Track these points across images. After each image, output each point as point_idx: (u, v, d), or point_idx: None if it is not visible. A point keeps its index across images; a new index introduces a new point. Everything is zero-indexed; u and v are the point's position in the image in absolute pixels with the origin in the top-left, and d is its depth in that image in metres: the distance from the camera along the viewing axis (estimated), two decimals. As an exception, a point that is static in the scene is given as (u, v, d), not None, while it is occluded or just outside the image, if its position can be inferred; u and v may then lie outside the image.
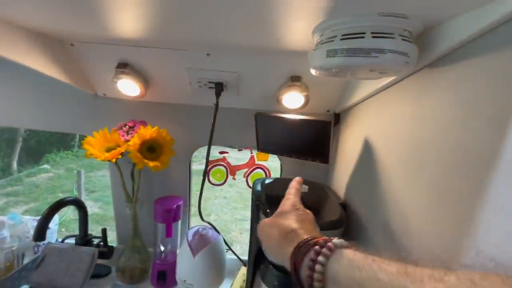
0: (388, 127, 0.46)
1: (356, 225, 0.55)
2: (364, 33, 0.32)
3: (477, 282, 0.16)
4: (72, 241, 0.84)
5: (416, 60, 0.34)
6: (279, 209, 0.39)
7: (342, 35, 0.33)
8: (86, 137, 0.70)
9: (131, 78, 0.65)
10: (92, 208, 3.79)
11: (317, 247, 0.27)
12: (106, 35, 0.55)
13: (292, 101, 0.67)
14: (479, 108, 0.27)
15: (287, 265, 0.29)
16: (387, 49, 0.31)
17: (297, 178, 0.46)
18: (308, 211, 0.38)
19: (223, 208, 3.88)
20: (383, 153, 0.47)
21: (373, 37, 0.31)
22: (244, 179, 0.95)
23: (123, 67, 0.64)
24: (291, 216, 0.36)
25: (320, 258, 0.25)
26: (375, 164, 0.49)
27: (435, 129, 0.33)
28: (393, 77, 0.42)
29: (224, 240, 0.81)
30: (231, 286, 0.76)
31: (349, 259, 0.24)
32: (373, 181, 0.49)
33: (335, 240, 0.27)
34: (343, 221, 0.52)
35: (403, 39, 0.32)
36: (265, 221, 0.38)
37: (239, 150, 1.00)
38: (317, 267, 0.25)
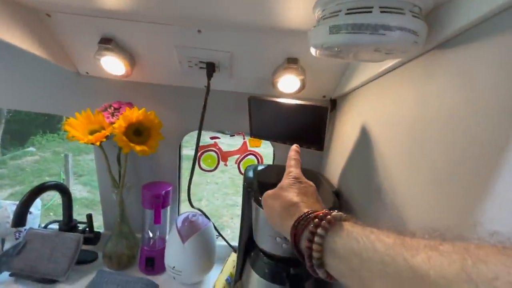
0: (388, 114, 0.44)
1: (349, 213, 0.54)
2: (372, 7, 0.29)
3: (471, 250, 0.16)
4: (56, 226, 0.81)
5: (425, 39, 0.31)
6: (282, 182, 0.39)
7: (348, 9, 0.30)
8: (69, 118, 0.65)
9: (115, 55, 0.60)
10: (81, 192, 3.73)
11: (316, 220, 0.27)
12: (87, 5, 0.49)
13: (288, 85, 0.64)
14: (490, 94, 0.25)
15: (288, 237, 0.31)
16: (395, 25, 0.28)
17: (294, 147, 0.44)
18: (310, 183, 0.39)
19: (215, 194, 3.89)
20: (381, 141, 0.45)
21: (381, 11, 0.28)
22: (236, 165, 0.93)
23: (107, 42, 0.59)
24: (293, 189, 0.36)
25: (319, 230, 0.26)
26: (372, 152, 0.47)
27: (441, 116, 0.31)
28: (398, 60, 0.39)
29: (215, 227, 0.79)
30: (220, 273, 0.75)
31: (348, 230, 0.25)
32: (370, 169, 0.47)
33: (334, 213, 0.27)
34: (336, 209, 0.51)
35: (413, 16, 0.29)
36: (268, 193, 0.39)
37: (231, 136, 0.97)
38: (316, 239, 0.26)
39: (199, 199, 3.58)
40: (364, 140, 0.51)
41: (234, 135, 0.92)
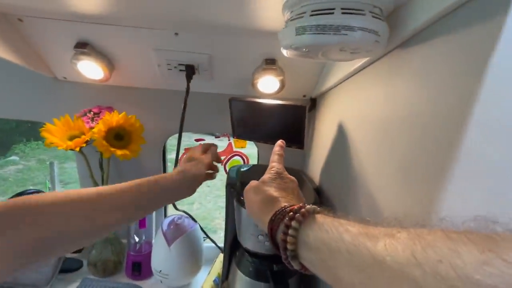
0: (360, 111, 0.46)
1: (329, 208, 0.56)
2: (334, 8, 0.30)
3: (423, 236, 0.17)
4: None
5: (387, 39, 0.33)
6: (264, 176, 0.39)
7: (312, 11, 0.31)
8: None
9: (92, 59, 0.60)
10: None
11: (291, 213, 0.28)
12: (60, 9, 0.49)
13: (268, 85, 0.65)
14: (444, 91, 0.27)
15: (266, 230, 0.32)
16: (356, 26, 0.29)
17: (279, 142, 0.45)
18: (292, 178, 0.39)
19: (207, 197, 3.86)
20: (355, 137, 0.47)
21: (342, 13, 0.29)
22: (222, 166, 0.93)
23: (82, 46, 0.58)
24: (274, 183, 0.37)
25: (293, 223, 0.27)
26: (348, 148, 0.49)
27: (405, 110, 0.33)
28: (366, 59, 0.41)
29: (202, 228, 0.79)
30: (208, 274, 0.76)
31: (319, 223, 0.26)
32: (346, 165, 0.48)
33: (308, 206, 0.28)
34: (316, 205, 0.52)
35: (373, 16, 0.30)
36: (250, 186, 0.40)
37: (216, 137, 0.97)
38: (290, 231, 0.27)
39: (191, 203, 3.55)
40: (340, 137, 0.53)
41: (219, 136, 0.92)
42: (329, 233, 0.24)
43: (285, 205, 0.31)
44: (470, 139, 0.23)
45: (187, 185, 0.48)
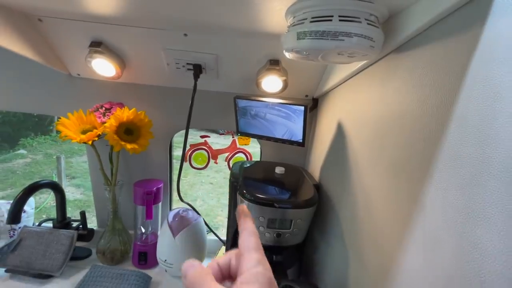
0: (357, 111, 0.48)
1: (326, 204, 0.59)
2: (332, 16, 0.32)
3: None
4: (49, 224, 0.83)
5: (382, 44, 0.35)
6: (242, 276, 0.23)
7: (312, 18, 0.34)
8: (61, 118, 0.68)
9: (105, 57, 0.63)
10: (73, 194, 3.70)
11: None
12: (77, 10, 0.52)
13: (271, 85, 0.68)
14: (431, 94, 0.29)
15: None
16: (353, 32, 0.32)
17: (241, 208, 0.29)
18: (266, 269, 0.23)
19: (210, 194, 3.91)
20: (352, 136, 0.50)
21: (340, 20, 0.32)
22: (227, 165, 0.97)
23: (97, 45, 0.62)
24: None
25: None
26: (345, 147, 0.51)
27: (396, 111, 0.36)
28: (363, 62, 0.43)
29: (205, 222, 0.83)
30: (211, 265, 0.79)
31: None
32: (343, 163, 0.51)
33: None
34: (315, 200, 0.55)
35: (368, 24, 0.33)
36: None
37: (220, 134, 1.00)
38: None
39: (194, 199, 3.60)
40: (339, 136, 0.55)
41: (224, 133, 0.96)
42: None
43: None
44: (451, 137, 0.26)
45: None
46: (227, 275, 0.26)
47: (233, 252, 0.26)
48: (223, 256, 0.26)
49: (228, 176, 0.67)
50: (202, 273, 0.23)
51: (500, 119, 0.21)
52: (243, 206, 0.29)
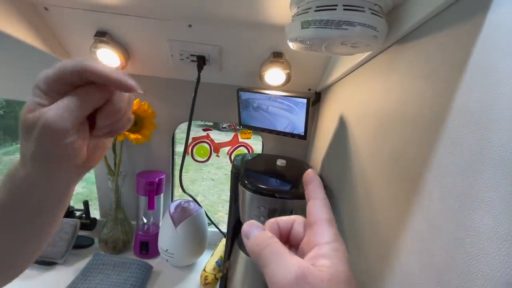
0: (360, 104, 0.49)
1: (327, 196, 0.59)
2: (336, 5, 0.33)
3: None
4: (53, 213, 0.85)
5: (385, 34, 0.36)
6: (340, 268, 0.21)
7: (316, 7, 0.34)
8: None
9: (110, 47, 0.64)
10: (76, 187, 3.73)
11: None
12: (83, 0, 0.53)
13: (274, 78, 0.68)
14: (434, 85, 0.30)
15: None
16: (356, 21, 0.32)
17: (310, 173, 0.26)
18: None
19: (211, 190, 3.92)
20: (354, 129, 0.50)
21: (344, 9, 0.32)
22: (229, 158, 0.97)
23: (102, 35, 0.62)
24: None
25: None
26: (347, 139, 0.52)
27: (398, 102, 0.36)
28: (367, 53, 0.44)
29: (206, 214, 0.84)
30: (211, 256, 0.80)
31: None
32: (344, 155, 0.51)
33: None
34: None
35: (372, 13, 0.33)
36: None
37: (222, 128, 1.01)
38: None
39: (195, 195, 3.59)
40: (341, 129, 0.56)
41: (226, 127, 0.96)
42: None
43: None
44: (450, 124, 0.26)
45: None
46: (286, 238, 0.24)
47: (295, 217, 0.24)
48: (284, 217, 0.25)
49: (229, 173, 0.67)
50: (267, 236, 0.22)
51: (500, 105, 0.21)
52: (312, 171, 0.26)
